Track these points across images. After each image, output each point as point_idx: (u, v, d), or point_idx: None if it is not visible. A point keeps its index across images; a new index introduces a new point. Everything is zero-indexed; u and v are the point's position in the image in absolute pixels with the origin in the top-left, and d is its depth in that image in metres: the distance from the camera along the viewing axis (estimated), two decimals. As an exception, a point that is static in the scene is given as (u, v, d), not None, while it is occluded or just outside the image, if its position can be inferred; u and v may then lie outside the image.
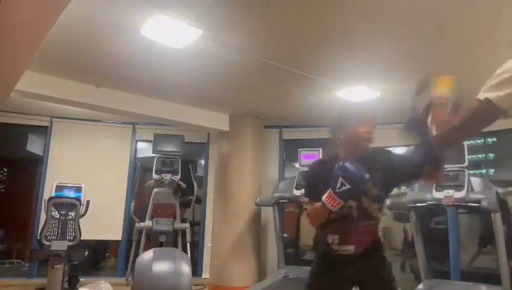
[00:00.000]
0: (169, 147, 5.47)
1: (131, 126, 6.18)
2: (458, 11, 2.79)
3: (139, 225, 5.27)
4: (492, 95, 1.27)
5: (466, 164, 3.95)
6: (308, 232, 5.96)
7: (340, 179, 1.68)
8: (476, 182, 3.88)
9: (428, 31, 3.09)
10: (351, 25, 3.04)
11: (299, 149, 5.32)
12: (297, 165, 5.49)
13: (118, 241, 5.89)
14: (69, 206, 4.88)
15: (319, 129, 5.74)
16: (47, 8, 2.30)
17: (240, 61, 3.76)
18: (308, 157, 5.17)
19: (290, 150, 6.16)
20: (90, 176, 5.54)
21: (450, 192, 3.82)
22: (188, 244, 5.27)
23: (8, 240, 6.50)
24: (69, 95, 4.53)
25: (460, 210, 4.34)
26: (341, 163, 1.74)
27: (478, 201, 3.57)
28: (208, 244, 5.97)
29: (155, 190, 5.38)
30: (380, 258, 1.98)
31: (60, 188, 5.05)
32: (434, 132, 1.62)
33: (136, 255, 4.79)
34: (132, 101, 4.92)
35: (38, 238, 4.82)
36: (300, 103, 5.01)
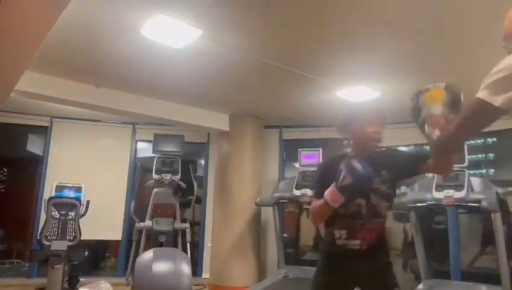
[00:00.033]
0: (169, 147, 5.47)
1: (131, 126, 6.18)
2: (458, 11, 2.79)
3: (139, 225, 5.27)
4: (490, 97, 1.26)
5: (466, 164, 3.95)
6: (308, 232, 5.96)
7: (343, 173, 1.69)
8: (476, 182, 3.89)
9: (428, 31, 3.09)
10: (351, 25, 3.04)
11: (299, 149, 5.33)
12: (297, 165, 5.49)
13: (118, 241, 5.90)
14: (69, 206, 4.88)
15: (319, 129, 5.75)
16: (47, 8, 2.29)
17: (239, 61, 3.76)
18: (308, 158, 5.17)
19: (290, 150, 6.16)
20: (90, 176, 5.54)
21: (450, 192, 3.83)
22: (188, 244, 5.27)
23: (8, 240, 6.49)
24: (69, 95, 4.53)
25: (460, 210, 4.35)
26: (347, 160, 1.75)
27: (478, 201, 3.58)
28: (208, 244, 5.97)
29: (155, 189, 5.38)
30: (386, 263, 1.98)
31: (60, 188, 5.06)
32: (434, 136, 1.62)
33: (136, 255, 4.79)
34: (132, 101, 4.92)
35: (38, 238, 4.82)
36: (300, 103, 5.00)
